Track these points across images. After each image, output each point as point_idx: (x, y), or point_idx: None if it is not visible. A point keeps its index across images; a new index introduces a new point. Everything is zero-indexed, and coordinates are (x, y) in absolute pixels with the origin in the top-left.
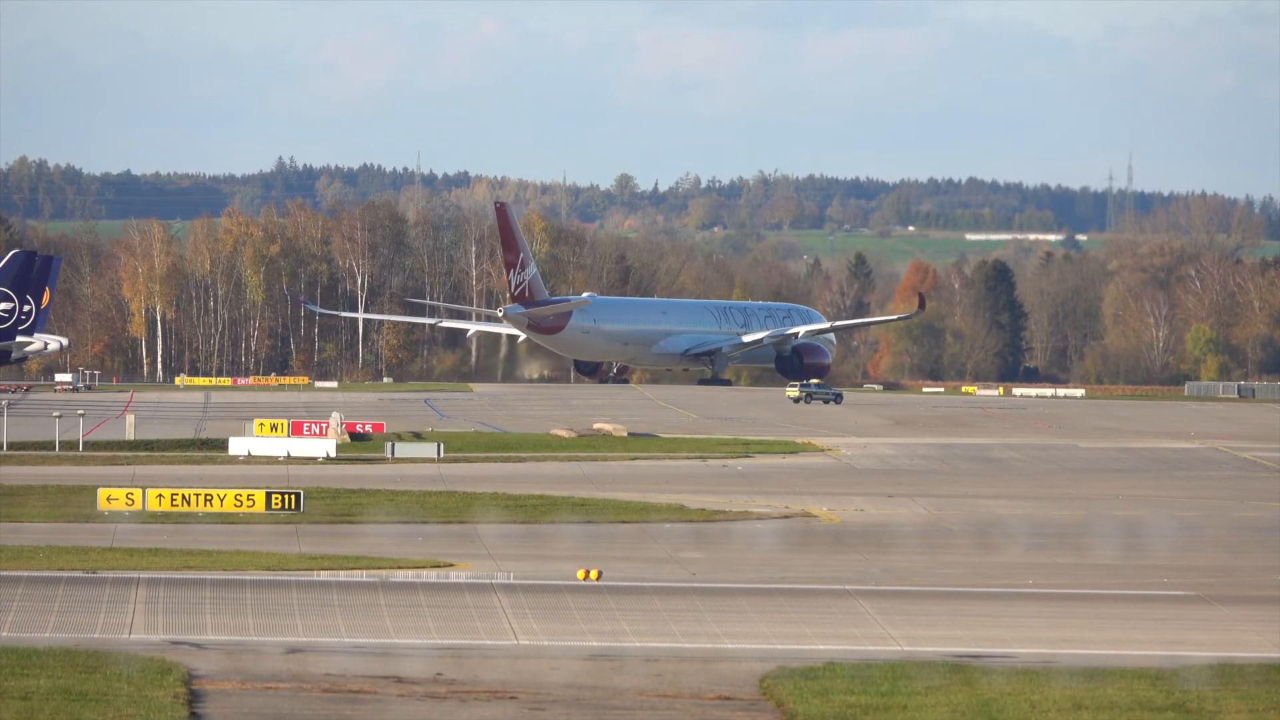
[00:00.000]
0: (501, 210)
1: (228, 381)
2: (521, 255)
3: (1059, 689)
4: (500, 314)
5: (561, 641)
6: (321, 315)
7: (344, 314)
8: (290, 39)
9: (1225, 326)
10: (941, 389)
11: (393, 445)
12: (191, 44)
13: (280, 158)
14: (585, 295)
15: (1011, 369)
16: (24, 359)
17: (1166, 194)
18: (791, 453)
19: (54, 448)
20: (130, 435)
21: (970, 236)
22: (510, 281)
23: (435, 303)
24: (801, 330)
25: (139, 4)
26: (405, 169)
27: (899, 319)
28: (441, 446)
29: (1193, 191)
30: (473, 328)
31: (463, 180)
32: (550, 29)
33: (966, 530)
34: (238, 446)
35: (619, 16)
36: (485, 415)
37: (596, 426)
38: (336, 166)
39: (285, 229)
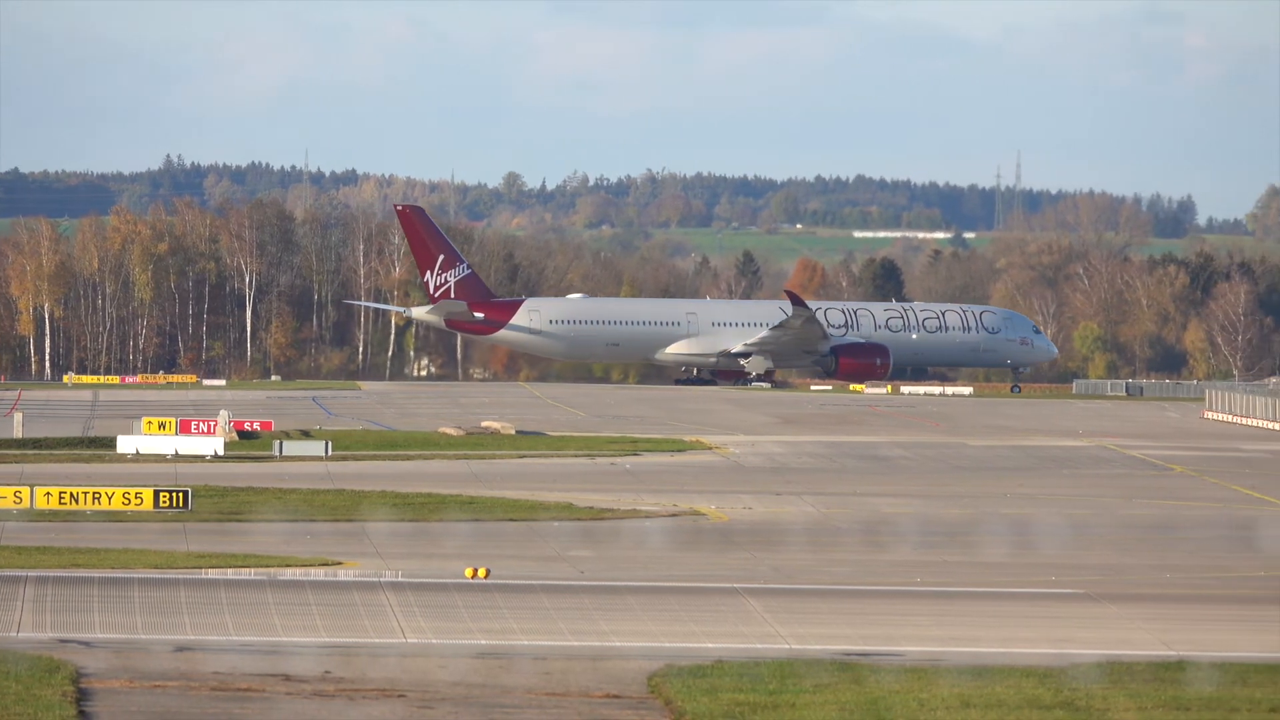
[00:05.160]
0: (404, 214)
1: (116, 379)
2: (443, 256)
3: (947, 687)
4: (405, 313)
5: (450, 640)
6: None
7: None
8: (181, 38)
9: (1113, 324)
10: (829, 387)
11: (281, 443)
12: (78, 41)
13: (168, 156)
14: (574, 296)
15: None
16: None
17: (1055, 192)
18: (680, 451)
19: None
20: (18, 433)
21: (858, 234)
22: (429, 283)
23: (367, 303)
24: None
25: (24, 0)
26: (293, 167)
27: (782, 325)
28: (329, 444)
29: (1081, 190)
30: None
31: (350, 178)
32: (447, 29)
33: (854, 528)
34: (126, 445)
35: (518, 16)
36: (373, 413)
37: (485, 424)
38: (224, 165)
39: (173, 227)
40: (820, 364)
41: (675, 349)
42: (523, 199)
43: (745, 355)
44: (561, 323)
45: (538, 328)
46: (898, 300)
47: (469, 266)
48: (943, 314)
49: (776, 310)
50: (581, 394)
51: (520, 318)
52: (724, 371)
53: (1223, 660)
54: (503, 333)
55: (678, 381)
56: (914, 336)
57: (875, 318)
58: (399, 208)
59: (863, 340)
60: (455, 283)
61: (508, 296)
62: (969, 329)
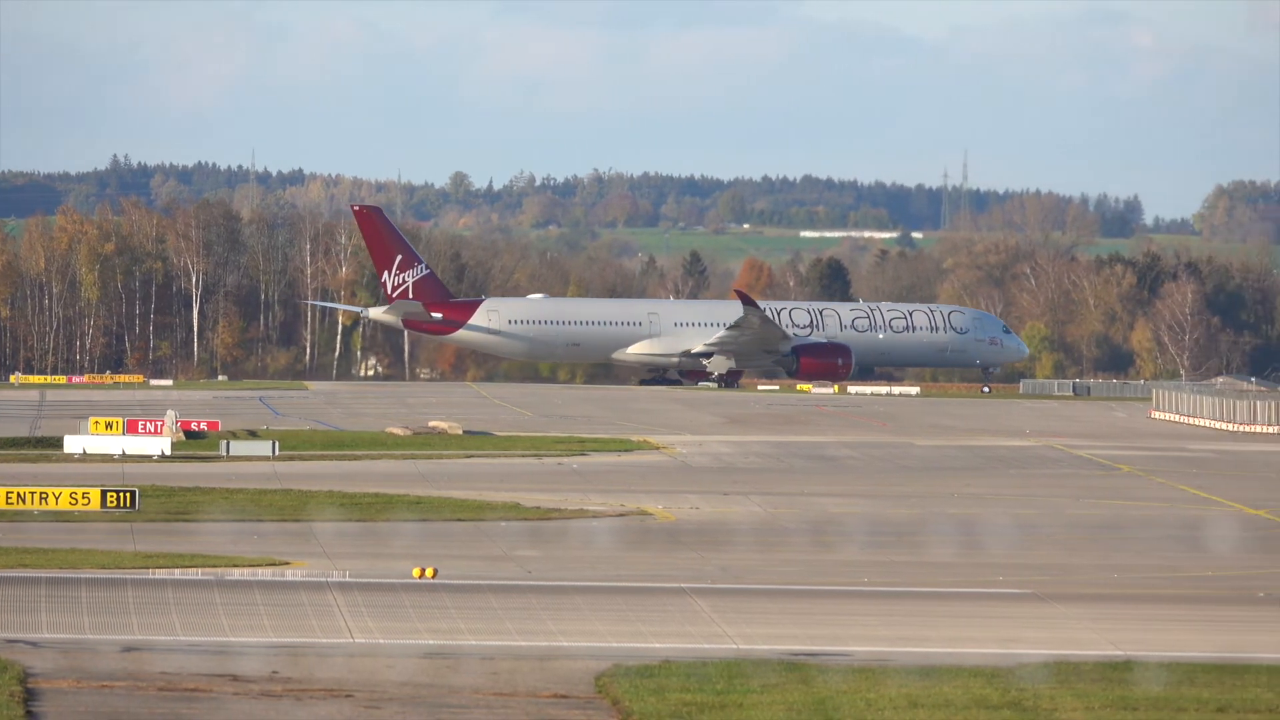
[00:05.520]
0: (362, 214)
1: (63, 379)
2: (400, 256)
3: (895, 687)
4: (363, 313)
5: (397, 640)
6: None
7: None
8: (127, 38)
9: (1060, 324)
10: (776, 386)
11: (228, 443)
12: (23, 41)
13: (115, 156)
14: (535, 296)
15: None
16: None
17: (1001, 192)
18: (627, 450)
19: None
20: None
21: (805, 234)
22: (386, 283)
23: (327, 304)
24: (711, 340)
25: None
26: (240, 167)
27: (739, 325)
28: (277, 444)
29: (1028, 189)
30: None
31: (297, 178)
32: (393, 29)
33: (802, 528)
34: (73, 445)
35: (464, 16)
36: (320, 413)
37: (432, 424)
38: (171, 165)
39: (120, 227)
40: (782, 364)
41: (637, 349)
42: (469, 199)
43: (707, 355)
44: (522, 323)
45: (497, 328)
46: (865, 301)
47: (427, 267)
48: (910, 314)
49: (740, 310)
50: (529, 394)
51: (479, 318)
52: (692, 372)
53: (1170, 660)
54: (461, 333)
55: (643, 382)
56: (880, 336)
57: (841, 318)
58: (356, 208)
59: (825, 340)
60: (413, 283)
61: (462, 297)
62: (937, 329)
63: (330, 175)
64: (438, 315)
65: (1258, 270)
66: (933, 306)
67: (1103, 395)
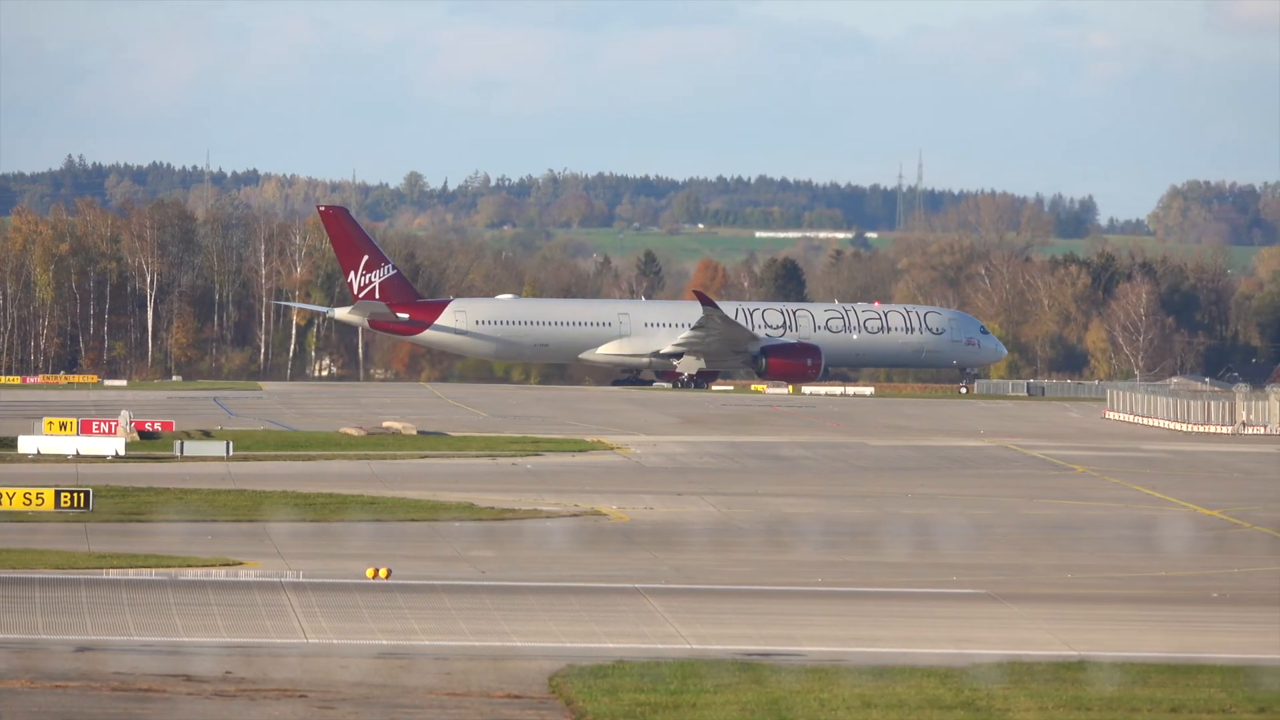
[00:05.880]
0: (328, 215)
1: (17, 380)
2: (367, 256)
3: (848, 687)
4: (328, 313)
5: (351, 640)
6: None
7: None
8: (82, 37)
9: (1015, 324)
10: (730, 387)
11: (182, 443)
12: None
13: (70, 156)
14: (504, 297)
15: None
16: None
17: (956, 192)
18: (581, 451)
19: None
20: None
21: (760, 234)
22: (352, 283)
23: (296, 304)
24: (676, 343)
25: None
26: (195, 167)
27: (703, 325)
28: (231, 445)
29: (982, 190)
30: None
31: (252, 179)
32: (348, 29)
33: (756, 528)
34: (27, 445)
35: (419, 16)
36: (274, 413)
37: (386, 424)
38: (126, 165)
39: (74, 227)
40: (751, 364)
41: (607, 350)
42: (424, 199)
43: (677, 355)
44: (490, 323)
45: (464, 328)
46: (840, 301)
47: (394, 267)
48: (885, 314)
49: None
50: (484, 394)
51: (446, 318)
52: (667, 373)
53: (1124, 660)
54: (428, 333)
55: (616, 382)
56: (855, 337)
57: (815, 318)
58: (322, 208)
59: (794, 341)
60: (380, 283)
61: (433, 297)
62: (912, 330)
63: (285, 176)
64: (404, 315)
65: (1212, 271)
66: (908, 307)
67: (1057, 396)
